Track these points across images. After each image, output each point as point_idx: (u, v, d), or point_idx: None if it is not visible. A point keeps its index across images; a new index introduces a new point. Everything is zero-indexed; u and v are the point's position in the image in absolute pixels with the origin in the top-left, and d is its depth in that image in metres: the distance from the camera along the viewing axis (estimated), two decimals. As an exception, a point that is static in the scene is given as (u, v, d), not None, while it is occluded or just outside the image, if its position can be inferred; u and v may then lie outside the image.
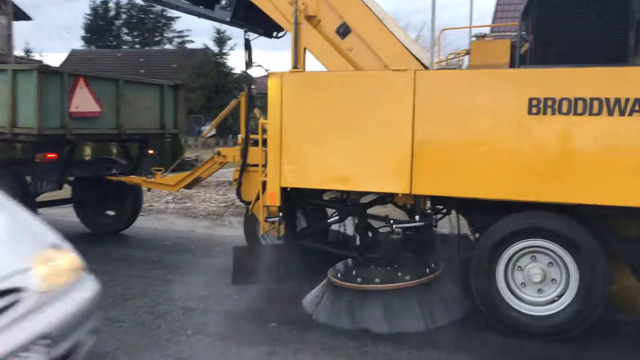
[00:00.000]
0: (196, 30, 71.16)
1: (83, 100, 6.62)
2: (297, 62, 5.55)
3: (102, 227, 8.49)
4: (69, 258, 3.05)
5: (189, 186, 7.17)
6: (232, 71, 31.82)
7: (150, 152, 8.20)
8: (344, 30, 5.60)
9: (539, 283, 4.56)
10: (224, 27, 25.75)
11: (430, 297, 4.77)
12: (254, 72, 6.53)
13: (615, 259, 4.66)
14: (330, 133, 4.98)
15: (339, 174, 4.99)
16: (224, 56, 31.89)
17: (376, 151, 4.83)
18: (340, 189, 5.32)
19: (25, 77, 6.11)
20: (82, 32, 47.46)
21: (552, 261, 4.53)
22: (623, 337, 4.66)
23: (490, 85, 4.60)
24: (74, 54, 38.55)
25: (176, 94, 8.39)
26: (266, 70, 5.50)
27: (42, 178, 6.57)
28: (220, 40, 31.48)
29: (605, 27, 4.57)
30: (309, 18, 5.65)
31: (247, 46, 6.38)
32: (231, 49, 31.77)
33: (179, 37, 47.03)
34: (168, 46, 45.50)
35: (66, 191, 8.29)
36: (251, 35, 6.42)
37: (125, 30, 47.40)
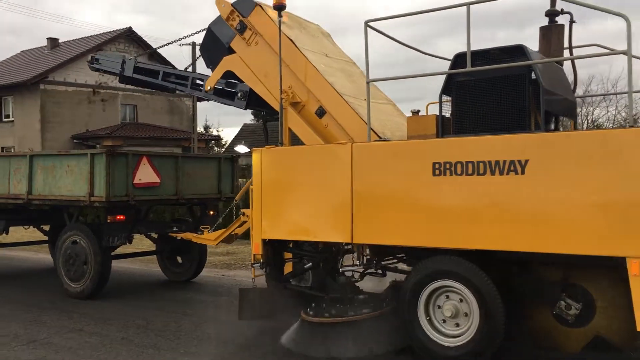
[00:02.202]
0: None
1: (145, 174, 8.55)
2: (283, 139, 6.95)
3: (175, 276, 10.36)
4: None
5: (227, 240, 8.71)
6: None
7: (211, 212, 9.95)
8: (320, 112, 6.94)
9: (452, 317, 5.38)
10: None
11: (381, 327, 5.75)
12: None
13: (535, 300, 5.36)
14: (294, 194, 6.26)
15: (300, 227, 6.23)
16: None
17: (326, 208, 6.01)
18: (302, 239, 6.52)
19: (99, 158, 8.16)
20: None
21: (462, 298, 5.35)
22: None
23: (404, 153, 5.62)
24: (245, 128, 44.08)
25: (233, 164, 10.17)
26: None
27: (113, 235, 8.50)
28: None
29: (506, 103, 5.48)
30: (295, 104, 7.07)
31: (265, 126, 7.92)
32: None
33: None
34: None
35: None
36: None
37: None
